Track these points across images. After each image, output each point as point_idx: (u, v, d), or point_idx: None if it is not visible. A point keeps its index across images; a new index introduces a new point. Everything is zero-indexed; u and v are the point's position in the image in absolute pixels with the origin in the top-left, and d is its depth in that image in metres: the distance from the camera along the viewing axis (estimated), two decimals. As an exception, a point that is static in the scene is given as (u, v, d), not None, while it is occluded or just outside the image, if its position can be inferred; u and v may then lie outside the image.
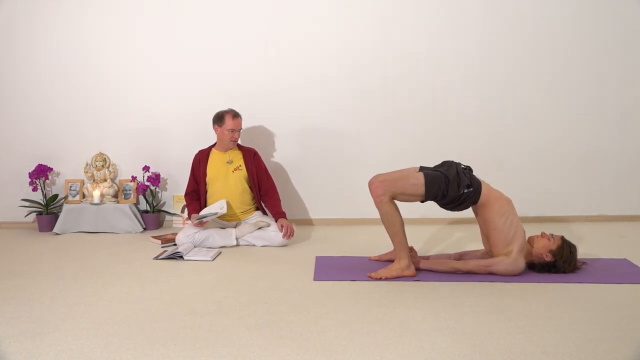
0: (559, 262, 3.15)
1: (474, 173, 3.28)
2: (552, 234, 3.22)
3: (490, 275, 3.13)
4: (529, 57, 4.66)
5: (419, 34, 4.63)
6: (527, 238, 3.23)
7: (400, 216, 3.20)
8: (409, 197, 3.19)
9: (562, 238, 3.21)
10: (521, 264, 3.12)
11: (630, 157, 4.78)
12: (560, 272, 3.15)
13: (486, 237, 3.24)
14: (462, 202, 3.18)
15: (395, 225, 3.18)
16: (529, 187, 4.76)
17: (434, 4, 4.60)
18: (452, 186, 3.13)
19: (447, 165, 3.28)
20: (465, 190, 3.14)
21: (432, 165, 3.37)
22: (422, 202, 3.26)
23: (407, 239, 3.21)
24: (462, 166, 3.29)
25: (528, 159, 4.76)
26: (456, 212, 3.34)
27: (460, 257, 3.43)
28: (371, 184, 3.21)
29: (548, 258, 3.16)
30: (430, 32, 4.63)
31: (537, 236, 3.23)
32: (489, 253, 3.26)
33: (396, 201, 3.21)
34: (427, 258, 3.47)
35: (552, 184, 4.79)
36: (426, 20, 4.62)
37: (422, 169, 3.29)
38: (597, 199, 4.81)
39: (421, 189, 3.14)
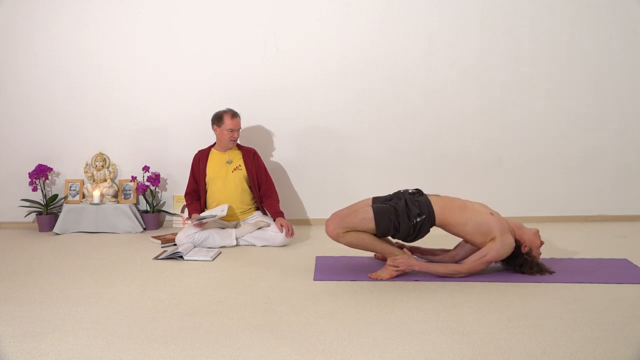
0: (528, 259, 3.15)
1: (424, 194, 3.26)
2: (542, 243, 3.24)
3: (490, 275, 3.14)
4: (529, 57, 4.66)
5: (419, 34, 4.63)
6: (520, 224, 3.25)
7: (365, 232, 3.15)
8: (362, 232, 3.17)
9: (539, 255, 3.24)
10: (509, 241, 3.11)
11: (630, 157, 4.78)
12: (523, 266, 3.16)
13: (465, 241, 3.29)
14: (418, 231, 3.17)
15: (366, 243, 3.19)
16: (529, 187, 4.76)
17: (434, 4, 4.60)
18: (402, 218, 3.13)
19: (397, 197, 3.27)
20: (418, 219, 3.14)
21: (385, 194, 3.36)
22: (377, 236, 3.20)
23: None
24: (410, 191, 3.28)
25: (528, 159, 4.76)
26: None
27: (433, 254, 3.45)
28: (326, 224, 3.21)
29: (524, 249, 3.16)
30: (430, 32, 4.63)
31: (536, 231, 3.23)
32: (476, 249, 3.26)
33: None
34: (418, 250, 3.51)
35: (552, 184, 4.78)
36: (426, 21, 4.62)
37: (374, 201, 3.29)
38: (597, 199, 4.80)
39: (371, 224, 3.12)
